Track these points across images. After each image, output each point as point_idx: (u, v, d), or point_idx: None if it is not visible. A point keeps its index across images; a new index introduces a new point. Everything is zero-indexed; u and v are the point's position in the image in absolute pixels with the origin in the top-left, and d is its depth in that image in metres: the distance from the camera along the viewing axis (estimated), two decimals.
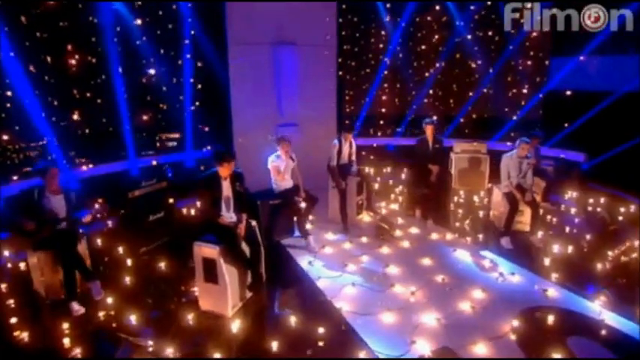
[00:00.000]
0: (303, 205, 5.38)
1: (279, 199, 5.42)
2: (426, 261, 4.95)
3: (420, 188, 6.31)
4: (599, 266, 4.74)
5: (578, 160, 8.50)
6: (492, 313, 3.91)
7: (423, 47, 10.65)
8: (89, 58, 7.19)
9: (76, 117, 7.01)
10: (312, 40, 8.10)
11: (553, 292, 4.23)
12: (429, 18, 10.39)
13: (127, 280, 4.49)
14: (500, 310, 3.93)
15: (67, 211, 4.14)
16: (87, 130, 7.13)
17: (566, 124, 8.70)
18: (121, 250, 5.07)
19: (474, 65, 10.47)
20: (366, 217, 6.47)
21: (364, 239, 5.58)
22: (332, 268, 4.81)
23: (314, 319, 3.75)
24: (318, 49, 8.23)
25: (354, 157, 6.25)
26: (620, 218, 6.24)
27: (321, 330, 3.58)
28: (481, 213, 6.56)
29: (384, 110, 11.07)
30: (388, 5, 9.92)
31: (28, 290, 4.23)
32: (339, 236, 5.72)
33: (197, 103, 8.21)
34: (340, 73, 9.16)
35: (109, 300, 4.08)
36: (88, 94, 7.26)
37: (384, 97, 11.07)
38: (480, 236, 5.70)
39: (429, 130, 6.22)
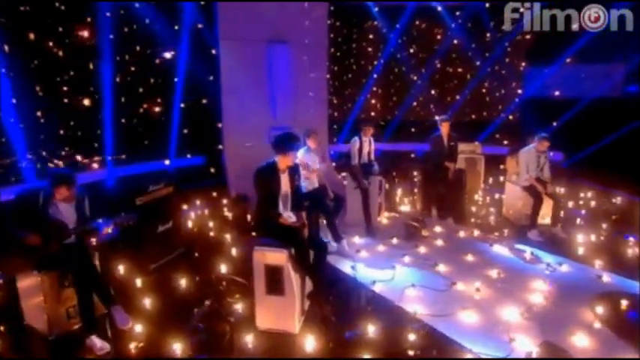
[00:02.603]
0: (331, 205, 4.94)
1: (307, 201, 4.91)
2: (470, 257, 4.75)
3: (436, 187, 6.17)
4: (629, 252, 4.90)
5: (558, 159, 9.04)
6: (566, 302, 3.79)
7: (411, 51, 10.77)
8: (55, 50, 6.13)
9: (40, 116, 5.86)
10: (304, 40, 7.80)
11: (607, 278, 4.23)
12: (416, 22, 10.53)
13: (148, 301, 3.70)
14: (572, 299, 3.84)
15: (77, 222, 3.29)
16: (61, 132, 6.00)
17: (550, 125, 9.21)
18: (133, 266, 4.25)
19: (455, 70, 10.77)
20: (384, 219, 6.16)
21: (395, 240, 5.26)
22: (379, 271, 4.41)
23: (390, 326, 3.34)
24: (310, 50, 7.94)
25: (373, 156, 5.95)
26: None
27: (411, 337, 3.17)
28: (492, 210, 6.58)
29: (373, 114, 10.96)
30: (376, 9, 9.88)
31: (17, 325, 3.31)
32: (366, 239, 5.34)
33: (182, 105, 7.40)
34: (327, 76, 8.90)
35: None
36: (60, 91, 6.16)
37: (368, 103, 10.98)
38: (505, 231, 5.67)
39: (444, 128, 6.12)
